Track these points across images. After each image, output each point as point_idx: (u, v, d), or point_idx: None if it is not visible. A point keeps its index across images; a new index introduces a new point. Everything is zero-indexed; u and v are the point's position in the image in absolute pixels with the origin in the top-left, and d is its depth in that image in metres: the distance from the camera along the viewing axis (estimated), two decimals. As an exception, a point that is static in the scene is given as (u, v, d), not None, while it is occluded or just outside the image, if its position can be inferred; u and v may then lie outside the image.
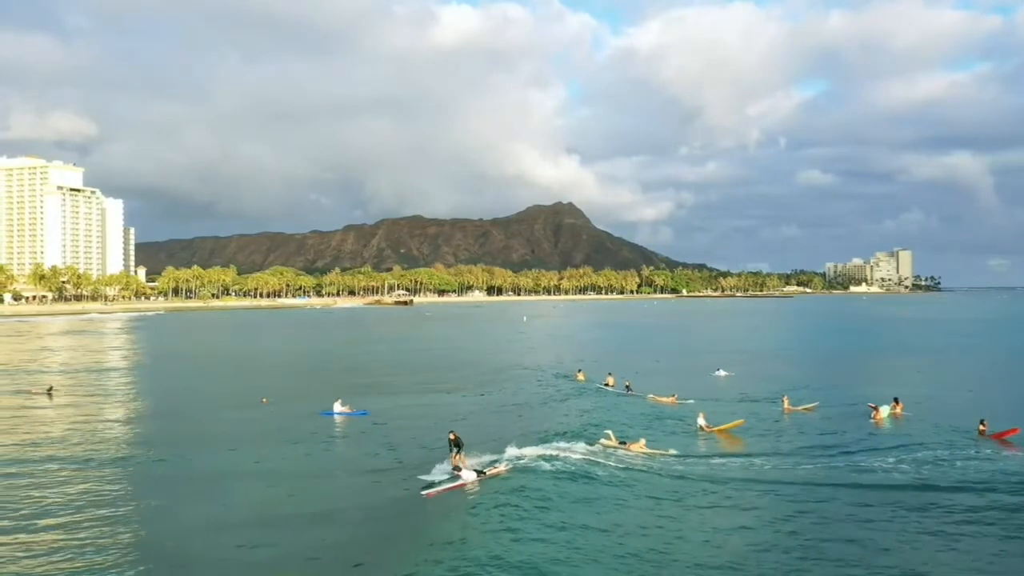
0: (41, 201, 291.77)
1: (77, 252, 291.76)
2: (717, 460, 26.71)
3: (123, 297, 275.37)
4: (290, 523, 20.49)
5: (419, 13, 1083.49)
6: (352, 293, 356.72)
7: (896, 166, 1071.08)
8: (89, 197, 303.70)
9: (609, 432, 27.86)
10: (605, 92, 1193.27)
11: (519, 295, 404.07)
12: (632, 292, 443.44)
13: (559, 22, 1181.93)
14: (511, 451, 26.54)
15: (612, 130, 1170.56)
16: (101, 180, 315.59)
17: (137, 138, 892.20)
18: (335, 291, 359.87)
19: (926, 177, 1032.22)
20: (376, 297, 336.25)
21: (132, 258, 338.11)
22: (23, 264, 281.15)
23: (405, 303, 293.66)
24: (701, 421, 32.45)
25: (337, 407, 38.31)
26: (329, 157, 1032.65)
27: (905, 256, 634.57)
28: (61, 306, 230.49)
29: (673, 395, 39.66)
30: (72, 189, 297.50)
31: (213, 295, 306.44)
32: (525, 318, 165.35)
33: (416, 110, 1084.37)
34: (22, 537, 19.31)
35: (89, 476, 25.50)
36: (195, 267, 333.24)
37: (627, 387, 43.88)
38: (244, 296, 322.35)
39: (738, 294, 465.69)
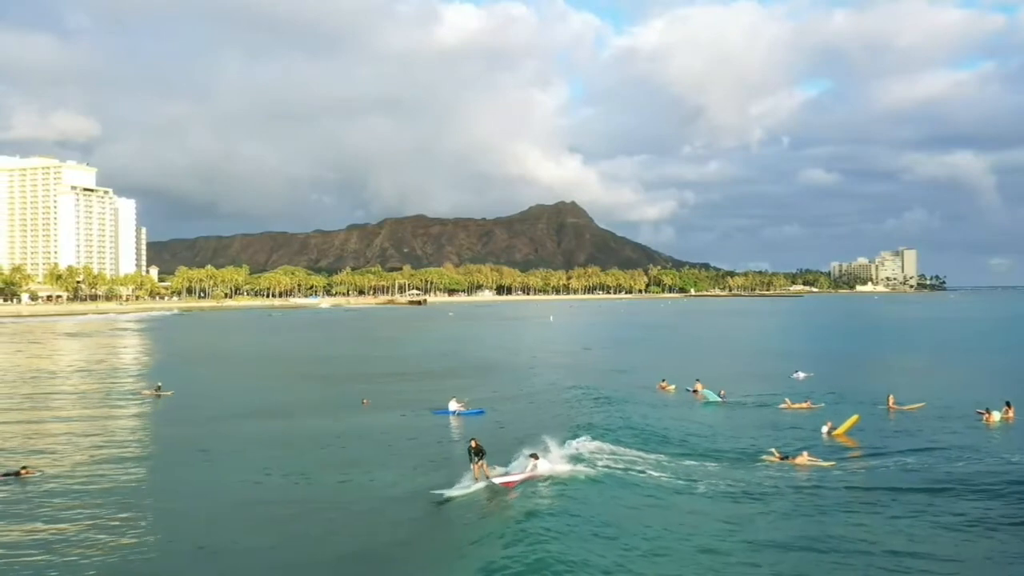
0: (55, 201, 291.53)
1: (91, 252, 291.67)
2: (869, 464, 26.71)
3: (137, 297, 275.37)
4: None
5: (422, 12, 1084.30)
6: (361, 293, 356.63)
7: (898, 165, 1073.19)
8: (102, 197, 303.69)
9: (773, 450, 27.59)
10: (608, 91, 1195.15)
11: (528, 295, 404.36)
12: (640, 291, 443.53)
13: (562, 21, 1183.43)
14: (598, 454, 27.01)
15: (614, 129, 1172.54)
16: (103, 179, 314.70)
17: (139, 138, 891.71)
18: (345, 291, 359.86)
19: (928, 176, 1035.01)
20: (389, 297, 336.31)
21: (144, 258, 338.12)
22: (36, 264, 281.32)
23: (419, 303, 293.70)
24: (826, 428, 32.30)
25: (453, 405, 38.63)
26: (331, 156, 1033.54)
27: (910, 255, 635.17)
28: (78, 306, 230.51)
29: (807, 400, 39.67)
30: (85, 189, 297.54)
31: (225, 295, 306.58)
32: (551, 317, 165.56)
33: (419, 109, 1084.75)
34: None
35: (264, 484, 25.72)
36: (208, 267, 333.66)
37: (721, 395, 42.56)
38: (256, 296, 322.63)
39: (743, 293, 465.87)
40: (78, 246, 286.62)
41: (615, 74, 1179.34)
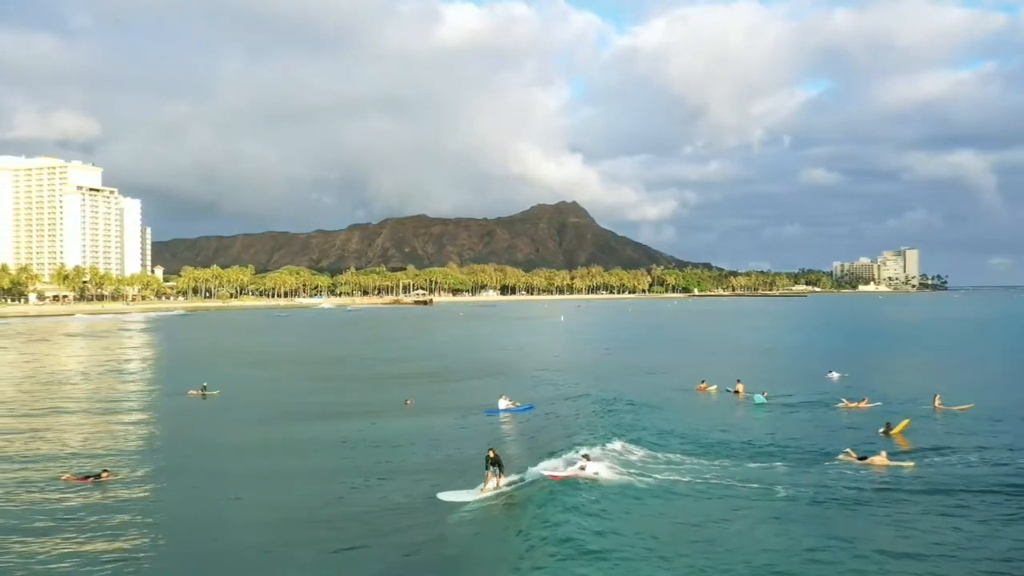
0: (60, 201, 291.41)
1: (96, 252, 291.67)
2: (939, 464, 26.53)
3: (143, 297, 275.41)
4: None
5: (423, 11, 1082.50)
6: (365, 293, 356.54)
7: (900, 165, 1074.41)
8: (108, 197, 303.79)
9: (849, 450, 27.55)
10: (609, 91, 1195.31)
11: (531, 294, 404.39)
12: (644, 291, 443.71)
13: (563, 21, 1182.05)
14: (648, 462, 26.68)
15: (616, 129, 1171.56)
16: (105, 179, 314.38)
17: (140, 137, 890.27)
18: (349, 291, 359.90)
19: (929, 176, 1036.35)
20: (395, 297, 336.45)
21: (149, 258, 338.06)
22: (42, 264, 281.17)
23: (425, 303, 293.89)
24: (883, 429, 32.20)
25: (502, 403, 38.96)
26: (332, 156, 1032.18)
27: (912, 255, 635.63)
28: (84, 306, 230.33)
29: (864, 399, 39.78)
30: (91, 189, 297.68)
31: (231, 295, 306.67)
32: (562, 317, 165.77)
33: (420, 109, 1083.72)
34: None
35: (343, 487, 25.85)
36: (214, 267, 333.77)
37: (764, 396, 41.88)
38: (261, 296, 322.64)
39: (746, 293, 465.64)
40: (84, 246, 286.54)
41: (616, 74, 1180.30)
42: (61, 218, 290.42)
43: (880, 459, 26.21)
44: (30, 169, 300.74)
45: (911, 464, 26.42)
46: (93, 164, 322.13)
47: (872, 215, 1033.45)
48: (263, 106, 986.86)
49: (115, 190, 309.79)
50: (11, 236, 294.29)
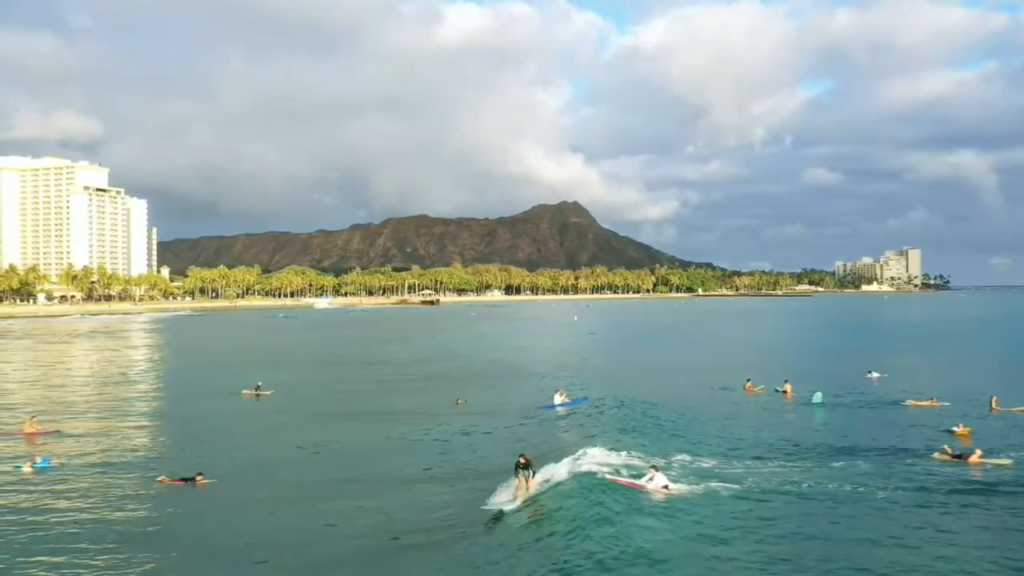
0: (68, 201, 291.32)
1: (103, 252, 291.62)
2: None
3: (151, 297, 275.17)
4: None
5: (424, 11, 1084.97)
6: (370, 293, 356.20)
7: (901, 164, 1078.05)
8: (115, 197, 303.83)
9: (945, 447, 27.51)
10: (610, 91, 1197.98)
11: (535, 294, 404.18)
12: (648, 291, 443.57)
13: (564, 20, 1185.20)
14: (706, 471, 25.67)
15: (617, 129, 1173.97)
16: (110, 179, 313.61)
17: (141, 137, 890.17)
18: (354, 291, 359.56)
19: (931, 176, 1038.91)
20: (401, 297, 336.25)
21: (155, 258, 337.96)
22: (48, 264, 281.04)
23: (432, 303, 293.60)
24: (955, 428, 32.17)
25: (558, 398, 39.20)
26: (333, 156, 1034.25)
27: (914, 255, 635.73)
28: (92, 306, 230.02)
29: (932, 398, 39.79)
30: (98, 189, 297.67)
31: (237, 295, 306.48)
32: (576, 317, 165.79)
33: (421, 109, 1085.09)
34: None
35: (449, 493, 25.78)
36: (221, 267, 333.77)
37: (821, 396, 41.22)
38: (266, 296, 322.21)
39: (750, 293, 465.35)
40: (91, 246, 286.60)
41: (617, 73, 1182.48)
42: (68, 218, 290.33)
43: (976, 457, 26.15)
44: (37, 169, 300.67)
45: (1008, 462, 26.25)
46: (99, 164, 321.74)
47: (873, 215, 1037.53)
48: (263, 106, 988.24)
49: (122, 190, 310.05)
50: (18, 236, 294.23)
